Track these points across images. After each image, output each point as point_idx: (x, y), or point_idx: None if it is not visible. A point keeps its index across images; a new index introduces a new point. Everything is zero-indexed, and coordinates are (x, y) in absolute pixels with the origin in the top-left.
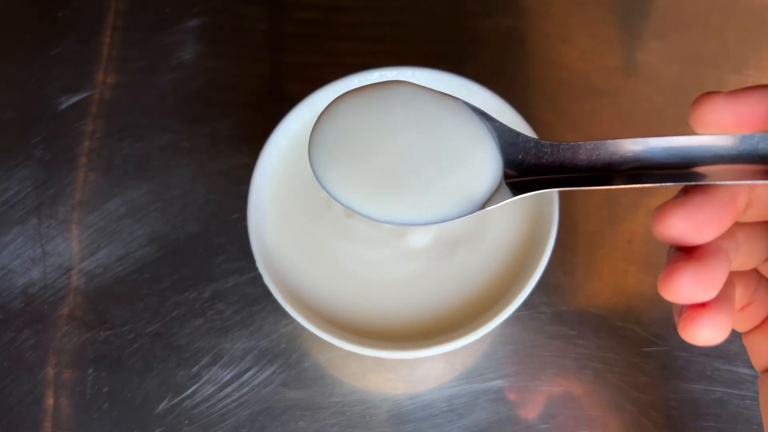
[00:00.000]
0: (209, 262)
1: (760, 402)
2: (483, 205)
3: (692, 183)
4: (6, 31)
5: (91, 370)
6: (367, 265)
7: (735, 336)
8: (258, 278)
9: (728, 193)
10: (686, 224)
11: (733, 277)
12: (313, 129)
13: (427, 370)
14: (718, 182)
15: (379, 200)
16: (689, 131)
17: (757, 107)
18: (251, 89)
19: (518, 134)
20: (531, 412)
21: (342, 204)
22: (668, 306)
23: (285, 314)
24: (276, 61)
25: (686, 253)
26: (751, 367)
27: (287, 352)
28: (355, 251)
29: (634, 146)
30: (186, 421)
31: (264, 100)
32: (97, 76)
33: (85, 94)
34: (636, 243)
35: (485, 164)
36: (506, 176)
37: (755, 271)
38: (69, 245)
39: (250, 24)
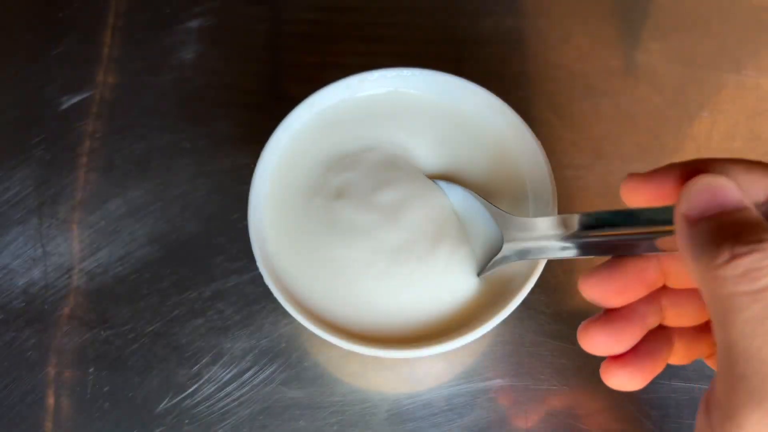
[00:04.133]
0: (209, 262)
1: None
2: (479, 273)
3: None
4: (6, 32)
5: (91, 370)
6: (367, 263)
7: None
8: (258, 278)
9: (636, 267)
10: (596, 292)
11: (671, 332)
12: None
13: (426, 370)
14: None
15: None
16: (688, 131)
17: (664, 185)
18: (251, 89)
19: (501, 211)
20: (530, 411)
21: None
22: None
23: (285, 313)
24: (276, 61)
25: (603, 313)
26: None
27: (287, 351)
28: (355, 250)
29: (581, 218)
30: (186, 421)
31: (264, 100)
32: (97, 76)
33: (85, 94)
34: None
35: (485, 240)
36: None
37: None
38: (70, 245)
39: (251, 24)
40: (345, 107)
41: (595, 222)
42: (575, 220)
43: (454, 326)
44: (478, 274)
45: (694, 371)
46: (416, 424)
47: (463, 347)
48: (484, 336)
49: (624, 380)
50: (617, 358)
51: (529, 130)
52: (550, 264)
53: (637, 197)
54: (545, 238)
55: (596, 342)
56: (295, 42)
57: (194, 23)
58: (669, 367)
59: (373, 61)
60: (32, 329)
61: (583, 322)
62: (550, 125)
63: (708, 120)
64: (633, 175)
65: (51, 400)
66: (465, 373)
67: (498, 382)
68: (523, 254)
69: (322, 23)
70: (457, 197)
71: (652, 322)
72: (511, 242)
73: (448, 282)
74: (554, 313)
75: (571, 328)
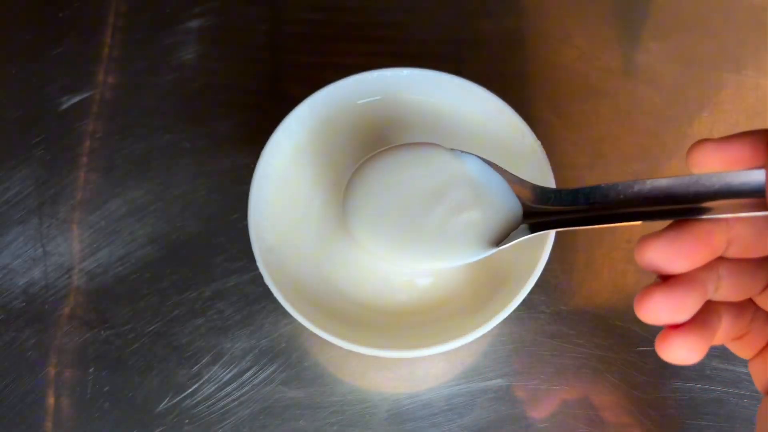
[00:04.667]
0: (210, 262)
1: (759, 422)
2: (498, 244)
3: (678, 218)
4: (7, 31)
5: (91, 370)
6: (368, 264)
7: None
8: (258, 278)
9: (703, 231)
10: (659, 255)
11: (720, 307)
12: (348, 186)
13: (426, 369)
14: (697, 217)
15: (409, 252)
16: (687, 131)
17: (742, 151)
18: (251, 89)
19: (525, 182)
20: (530, 410)
21: (379, 255)
22: None
23: (285, 313)
24: (276, 61)
25: (663, 280)
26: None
27: (287, 351)
28: (355, 250)
29: (626, 188)
30: (186, 421)
31: (264, 100)
32: (97, 76)
33: (85, 94)
34: (635, 243)
35: (503, 210)
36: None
37: (750, 302)
38: (70, 245)
39: (251, 24)
40: (345, 107)
41: (648, 191)
42: (620, 189)
43: (455, 326)
44: (498, 246)
45: (694, 371)
46: (416, 424)
47: (464, 347)
48: (484, 336)
49: (685, 351)
50: (678, 328)
51: (529, 130)
52: (550, 264)
53: (709, 163)
54: (576, 209)
55: (659, 309)
56: (295, 42)
57: (194, 23)
58: (669, 367)
59: (373, 61)
60: (32, 329)
61: (641, 290)
62: (550, 125)
63: (708, 120)
64: (706, 141)
65: (51, 400)
66: (465, 373)
67: (498, 382)
68: (546, 226)
69: (322, 23)
70: (473, 166)
71: (710, 291)
72: (535, 214)
73: (444, 249)
74: (554, 313)
75: (571, 328)
